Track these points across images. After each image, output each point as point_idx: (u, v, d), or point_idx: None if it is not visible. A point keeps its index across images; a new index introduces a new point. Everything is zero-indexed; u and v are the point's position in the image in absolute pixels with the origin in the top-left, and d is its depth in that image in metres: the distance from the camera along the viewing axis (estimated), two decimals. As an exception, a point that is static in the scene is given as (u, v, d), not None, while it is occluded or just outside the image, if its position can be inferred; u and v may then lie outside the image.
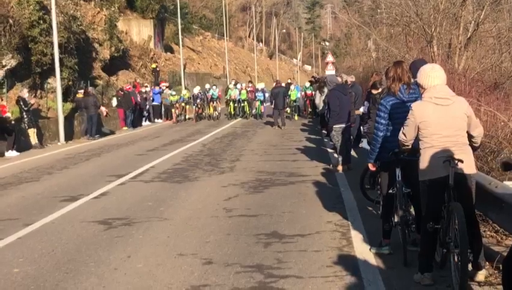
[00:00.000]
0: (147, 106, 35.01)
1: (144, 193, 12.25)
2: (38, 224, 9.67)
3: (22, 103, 22.28)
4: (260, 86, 36.48)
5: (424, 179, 6.20)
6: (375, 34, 34.76)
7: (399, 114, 6.85)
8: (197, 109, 35.62)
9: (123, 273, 7.04)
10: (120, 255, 7.74)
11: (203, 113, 36.29)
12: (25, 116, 22.30)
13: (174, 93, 35.85)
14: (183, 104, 35.65)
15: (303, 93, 36.92)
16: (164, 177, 14.20)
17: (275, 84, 32.75)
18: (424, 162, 6.16)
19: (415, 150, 6.32)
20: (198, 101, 35.42)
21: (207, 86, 37.95)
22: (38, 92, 26.91)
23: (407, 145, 6.46)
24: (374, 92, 11.30)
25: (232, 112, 36.33)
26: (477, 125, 6.33)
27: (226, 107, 37.83)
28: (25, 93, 22.95)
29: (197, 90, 35.81)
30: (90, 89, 27.81)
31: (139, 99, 33.23)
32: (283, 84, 33.49)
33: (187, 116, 36.17)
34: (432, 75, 6.21)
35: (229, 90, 36.94)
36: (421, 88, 6.31)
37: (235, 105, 36.48)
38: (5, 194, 12.73)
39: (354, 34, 56.71)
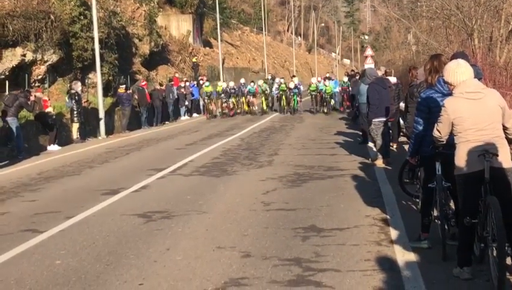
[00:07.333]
0: (186, 102, 35.14)
1: (183, 187, 12.34)
2: (80, 217, 9.83)
3: (76, 97, 22.64)
4: (295, 80, 36.43)
5: (459, 174, 6.14)
6: (415, 28, 34.42)
7: (438, 107, 6.77)
8: (225, 105, 35.05)
9: (162, 265, 7.12)
10: (159, 248, 7.83)
11: (238, 109, 36.01)
12: (75, 109, 22.62)
13: (207, 84, 35.55)
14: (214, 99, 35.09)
15: (340, 88, 36.78)
16: (203, 171, 14.28)
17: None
18: (459, 157, 6.10)
19: (452, 145, 6.26)
20: (222, 95, 34.82)
21: (242, 80, 37.78)
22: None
23: (442, 141, 6.42)
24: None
25: (265, 108, 36.29)
26: (511, 116, 6.24)
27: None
28: (78, 87, 23.30)
29: (225, 85, 35.55)
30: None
31: (176, 94, 33.39)
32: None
33: (219, 111, 35.46)
34: (458, 71, 6.15)
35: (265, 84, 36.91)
36: (450, 85, 6.25)
37: (268, 100, 36.55)
38: (48, 188, 12.96)
39: (394, 27, 56.09)
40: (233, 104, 35.82)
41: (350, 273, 6.59)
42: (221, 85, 36.10)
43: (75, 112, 22.68)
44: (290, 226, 8.75)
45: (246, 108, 35.96)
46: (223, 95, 35.07)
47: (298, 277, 6.56)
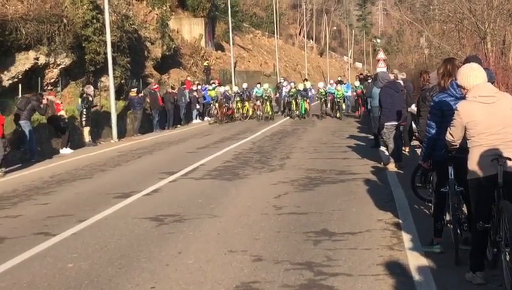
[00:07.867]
0: (197, 105, 35.09)
1: (195, 190, 12.35)
2: (92, 220, 9.85)
3: (86, 101, 22.73)
4: (307, 84, 36.30)
5: (472, 178, 6.11)
6: (427, 31, 34.30)
7: (451, 111, 6.74)
8: (224, 110, 33.82)
9: (174, 269, 7.13)
10: (171, 251, 7.83)
11: (244, 114, 35.35)
12: (84, 113, 22.72)
13: (210, 87, 35.25)
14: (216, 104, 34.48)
15: (354, 93, 36.58)
16: (214, 175, 14.29)
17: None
18: (472, 161, 6.07)
19: (465, 149, 6.23)
20: (223, 100, 33.68)
21: (244, 85, 37.11)
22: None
23: (455, 145, 6.39)
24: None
25: (270, 113, 35.05)
26: None
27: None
28: (91, 90, 23.40)
29: (223, 89, 34.71)
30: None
31: (188, 98, 33.39)
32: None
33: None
34: (472, 75, 6.13)
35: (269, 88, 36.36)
36: (463, 89, 6.23)
37: (271, 104, 36.20)
38: (60, 191, 13.00)
39: (406, 30, 55.90)
40: (238, 108, 35.45)
41: (362, 278, 6.57)
42: (220, 90, 35.63)
43: (84, 116, 22.76)
44: (301, 230, 8.73)
45: (250, 112, 35.47)
46: (224, 99, 33.98)
47: (310, 281, 6.54)
